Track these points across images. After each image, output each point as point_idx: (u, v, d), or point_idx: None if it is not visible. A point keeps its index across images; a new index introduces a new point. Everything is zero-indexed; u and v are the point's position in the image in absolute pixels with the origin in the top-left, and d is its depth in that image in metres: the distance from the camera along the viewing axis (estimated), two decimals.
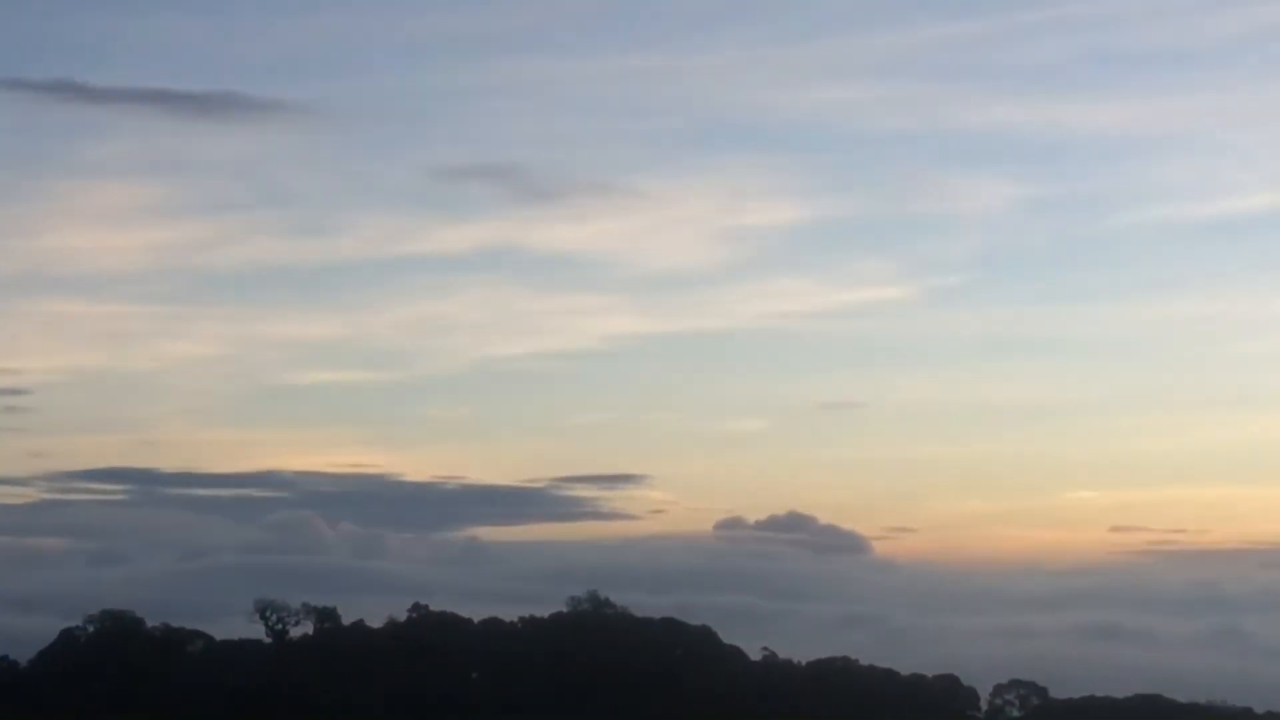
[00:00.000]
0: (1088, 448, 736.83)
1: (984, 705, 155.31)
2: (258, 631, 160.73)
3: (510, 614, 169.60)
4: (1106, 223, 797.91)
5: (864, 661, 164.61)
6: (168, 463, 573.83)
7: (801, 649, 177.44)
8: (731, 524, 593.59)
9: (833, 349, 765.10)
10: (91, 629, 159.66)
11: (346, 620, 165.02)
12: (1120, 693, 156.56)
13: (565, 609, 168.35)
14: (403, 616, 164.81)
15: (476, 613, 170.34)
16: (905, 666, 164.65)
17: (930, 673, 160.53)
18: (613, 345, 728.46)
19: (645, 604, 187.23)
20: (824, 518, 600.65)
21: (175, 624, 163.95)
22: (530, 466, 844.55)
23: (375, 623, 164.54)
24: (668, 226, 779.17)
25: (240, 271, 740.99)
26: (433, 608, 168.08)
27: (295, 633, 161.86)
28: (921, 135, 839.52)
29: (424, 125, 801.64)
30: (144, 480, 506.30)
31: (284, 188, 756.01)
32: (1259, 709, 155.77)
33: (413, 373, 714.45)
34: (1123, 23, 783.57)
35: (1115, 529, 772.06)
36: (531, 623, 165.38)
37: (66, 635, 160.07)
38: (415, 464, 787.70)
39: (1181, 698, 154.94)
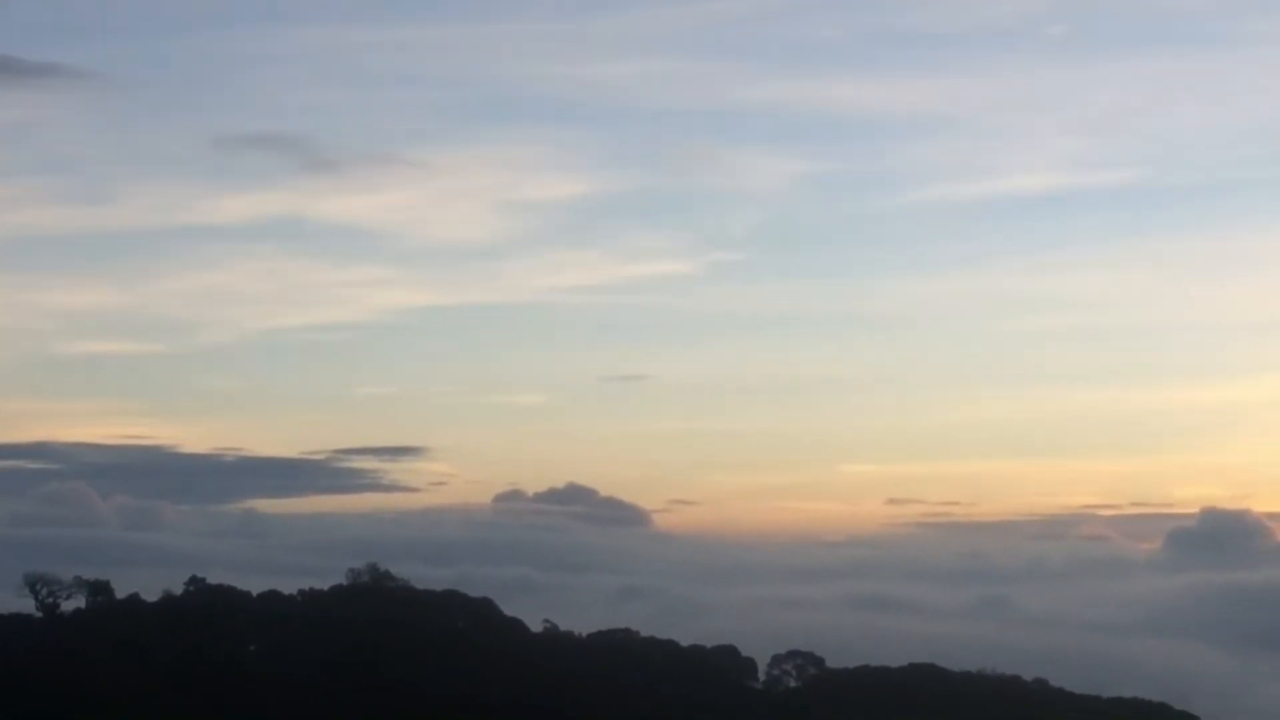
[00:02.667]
0: (864, 422, 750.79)
1: (762, 675, 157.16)
2: (28, 606, 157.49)
3: (289, 586, 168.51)
4: (884, 201, 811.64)
5: (644, 633, 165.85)
6: None
7: (582, 621, 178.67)
8: (511, 496, 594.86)
9: (615, 323, 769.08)
10: None
11: (121, 594, 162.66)
12: (894, 662, 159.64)
13: (345, 581, 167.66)
14: (179, 589, 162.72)
15: (255, 585, 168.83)
16: (685, 637, 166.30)
17: (710, 643, 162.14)
18: (394, 317, 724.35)
19: (425, 576, 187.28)
20: (604, 490, 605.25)
21: None
22: (310, 438, 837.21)
23: (151, 596, 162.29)
24: (451, 199, 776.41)
25: (14, 239, 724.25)
26: (210, 580, 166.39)
27: (67, 607, 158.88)
28: (704, 111, 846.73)
29: (206, 93, 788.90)
30: None
31: (60, 154, 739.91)
32: (1026, 676, 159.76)
33: (192, 344, 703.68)
34: (903, 5, 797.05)
35: (890, 501, 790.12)
36: (311, 595, 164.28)
37: None
38: (193, 436, 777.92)
39: (953, 666, 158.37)
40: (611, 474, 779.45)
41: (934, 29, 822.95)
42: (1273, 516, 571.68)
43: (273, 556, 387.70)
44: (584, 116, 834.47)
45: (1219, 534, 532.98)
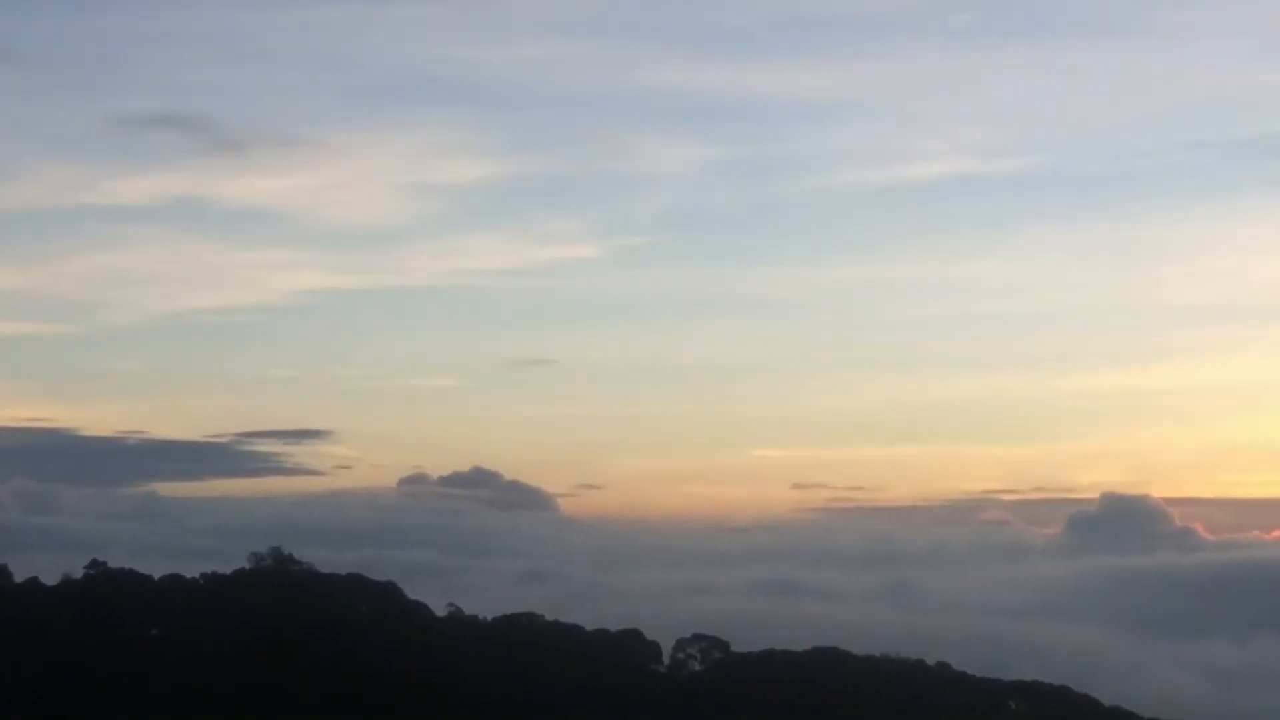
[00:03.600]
0: (771, 407, 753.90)
1: (667, 659, 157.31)
2: None
3: (192, 570, 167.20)
4: (790, 186, 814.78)
5: (549, 617, 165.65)
6: None
7: (486, 605, 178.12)
8: (415, 480, 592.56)
9: (522, 306, 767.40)
10: None
11: (19, 578, 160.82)
12: (799, 646, 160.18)
13: (248, 565, 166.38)
14: (79, 574, 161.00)
15: (157, 569, 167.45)
16: (590, 622, 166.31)
17: (614, 628, 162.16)
18: (299, 300, 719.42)
19: (329, 560, 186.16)
20: (509, 474, 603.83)
21: None
22: (213, 421, 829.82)
23: (50, 580, 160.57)
24: (356, 181, 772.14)
25: None
26: (111, 564, 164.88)
27: None
28: (612, 95, 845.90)
29: (107, 72, 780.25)
30: None
31: None
32: (929, 660, 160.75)
33: (92, 325, 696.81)
34: None
35: (797, 486, 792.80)
36: (214, 579, 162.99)
37: None
38: (94, 418, 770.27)
39: (857, 650, 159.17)
40: (517, 458, 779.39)
41: (841, 15, 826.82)
42: (1171, 501, 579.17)
43: (175, 540, 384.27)
44: (491, 99, 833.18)
45: (1118, 519, 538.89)
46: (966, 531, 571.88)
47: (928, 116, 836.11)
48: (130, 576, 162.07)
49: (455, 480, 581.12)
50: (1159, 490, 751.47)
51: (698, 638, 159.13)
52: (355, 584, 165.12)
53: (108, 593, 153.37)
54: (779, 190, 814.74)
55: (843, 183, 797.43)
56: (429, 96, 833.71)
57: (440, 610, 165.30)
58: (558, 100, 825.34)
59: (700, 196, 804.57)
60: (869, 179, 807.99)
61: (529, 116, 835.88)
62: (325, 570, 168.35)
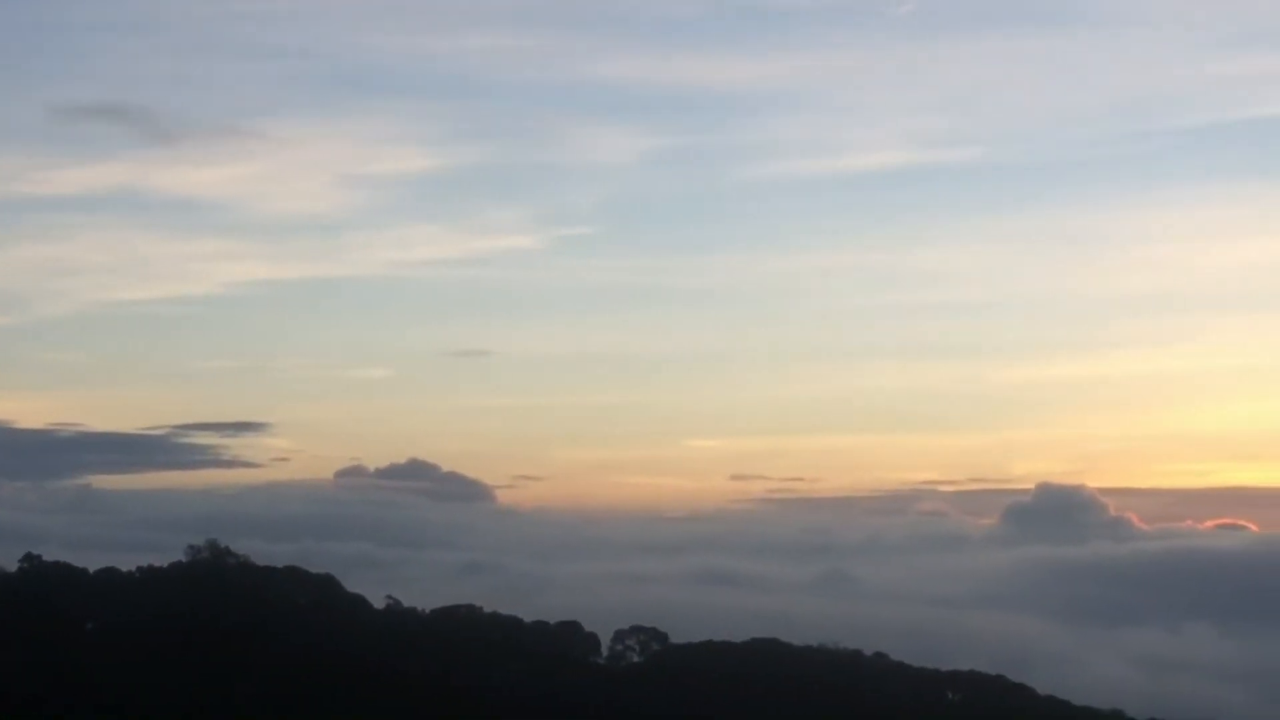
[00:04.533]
0: (710, 397, 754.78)
1: (605, 651, 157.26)
2: None
3: (127, 564, 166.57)
4: (731, 176, 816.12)
5: (487, 609, 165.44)
6: None
7: (424, 597, 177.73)
8: (352, 472, 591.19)
9: (461, 297, 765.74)
10: None
11: None
12: (737, 637, 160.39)
13: (184, 558, 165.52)
14: (13, 567, 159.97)
15: (92, 563, 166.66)
16: (528, 613, 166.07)
17: (553, 619, 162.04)
18: (237, 291, 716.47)
19: (266, 552, 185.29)
20: (447, 465, 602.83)
21: None
22: (150, 414, 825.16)
23: None
24: (295, 172, 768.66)
25: None
26: (46, 558, 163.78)
27: None
28: (552, 86, 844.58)
29: (44, 62, 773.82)
30: None
31: None
32: (866, 651, 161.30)
33: (29, 316, 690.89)
34: None
35: (735, 477, 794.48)
36: (150, 572, 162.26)
37: None
38: (29, 410, 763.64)
39: (795, 641, 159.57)
40: (455, 449, 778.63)
41: (783, 5, 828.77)
42: (1107, 491, 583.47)
43: (110, 533, 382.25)
44: (430, 90, 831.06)
45: (1054, 509, 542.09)
46: (903, 522, 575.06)
47: (869, 107, 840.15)
48: (65, 570, 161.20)
49: (393, 472, 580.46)
50: (1095, 480, 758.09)
51: (636, 629, 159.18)
52: (293, 577, 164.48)
53: (42, 586, 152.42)
54: (719, 180, 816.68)
55: (783, 173, 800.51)
56: (369, 87, 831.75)
57: (378, 603, 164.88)
58: (498, 91, 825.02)
59: (640, 187, 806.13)
60: (809, 169, 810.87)
61: (469, 107, 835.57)
62: (262, 563, 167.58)
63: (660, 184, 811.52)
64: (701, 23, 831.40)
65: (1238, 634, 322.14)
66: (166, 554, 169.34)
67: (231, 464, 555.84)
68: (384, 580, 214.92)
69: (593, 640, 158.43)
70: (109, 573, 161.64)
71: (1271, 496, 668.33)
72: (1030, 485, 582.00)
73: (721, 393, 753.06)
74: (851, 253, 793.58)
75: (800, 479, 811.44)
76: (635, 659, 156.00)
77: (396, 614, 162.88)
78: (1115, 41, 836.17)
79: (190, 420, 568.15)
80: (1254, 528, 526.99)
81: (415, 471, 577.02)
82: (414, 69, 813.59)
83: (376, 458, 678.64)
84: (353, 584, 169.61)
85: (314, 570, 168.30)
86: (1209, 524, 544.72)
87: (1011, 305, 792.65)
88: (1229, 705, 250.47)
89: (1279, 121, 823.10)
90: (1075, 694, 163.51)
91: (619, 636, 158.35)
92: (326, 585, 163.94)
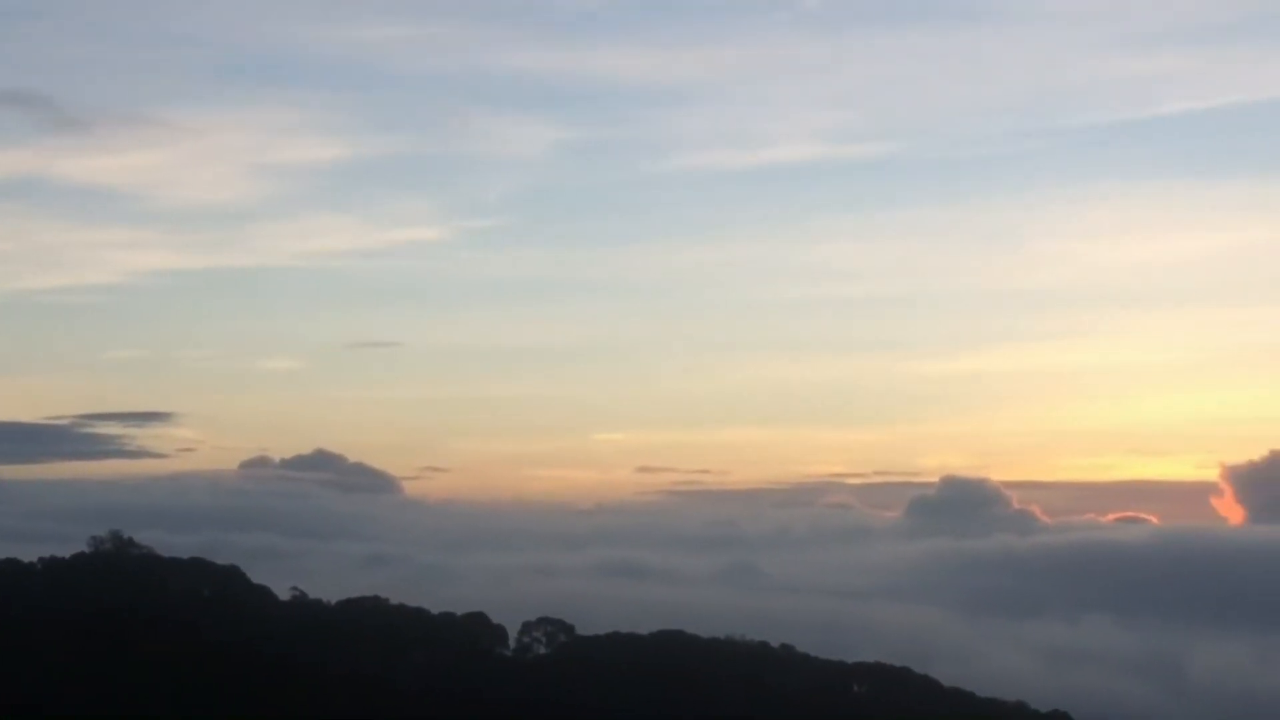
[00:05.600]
0: (618, 390, 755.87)
1: (512, 643, 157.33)
2: None
3: (29, 554, 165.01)
4: (640, 169, 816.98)
5: (394, 600, 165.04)
6: None
7: (330, 588, 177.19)
8: (258, 463, 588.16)
9: (369, 288, 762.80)
10: None
11: None
12: (644, 629, 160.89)
13: (87, 549, 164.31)
14: None
15: None
16: (435, 605, 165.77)
17: (460, 611, 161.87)
18: (143, 280, 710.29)
19: (170, 544, 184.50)
20: (353, 456, 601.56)
21: None
22: (54, 403, 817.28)
23: None
24: (203, 160, 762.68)
25: None
26: None
27: None
28: (461, 77, 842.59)
29: None
30: None
31: None
32: (773, 643, 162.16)
33: None
34: None
35: (642, 469, 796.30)
36: (52, 563, 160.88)
37: None
38: None
39: (702, 633, 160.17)
40: (362, 440, 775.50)
41: None
42: (1010, 485, 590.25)
43: (12, 524, 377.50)
44: (340, 80, 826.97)
45: (958, 502, 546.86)
46: (810, 514, 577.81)
47: (779, 101, 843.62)
48: None
49: (298, 463, 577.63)
50: (999, 474, 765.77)
51: (543, 620, 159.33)
52: (197, 568, 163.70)
53: None
54: (628, 173, 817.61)
55: (692, 166, 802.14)
56: (277, 77, 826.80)
57: (284, 594, 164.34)
58: (407, 82, 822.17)
59: (549, 179, 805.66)
60: (718, 162, 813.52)
61: (377, 98, 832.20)
62: (167, 554, 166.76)
63: (569, 176, 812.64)
64: (612, 15, 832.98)
65: (1136, 626, 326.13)
66: (70, 545, 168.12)
67: (136, 454, 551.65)
68: (289, 571, 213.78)
69: (500, 632, 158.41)
70: (11, 563, 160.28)
71: (1172, 490, 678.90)
72: (935, 479, 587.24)
73: (629, 386, 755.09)
74: (759, 246, 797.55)
75: (708, 471, 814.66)
76: (542, 651, 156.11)
77: (302, 605, 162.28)
78: (1022, 39, 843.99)
79: (95, 410, 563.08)
80: (1154, 521, 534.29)
81: (321, 463, 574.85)
82: (323, 58, 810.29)
83: (282, 449, 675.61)
84: (258, 575, 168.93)
85: (219, 561, 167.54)
86: (1110, 517, 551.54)
87: (918, 300, 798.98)
88: (1128, 696, 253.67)
89: (1180, 120, 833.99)
90: (978, 685, 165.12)
91: (526, 628, 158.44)
92: (231, 576, 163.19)
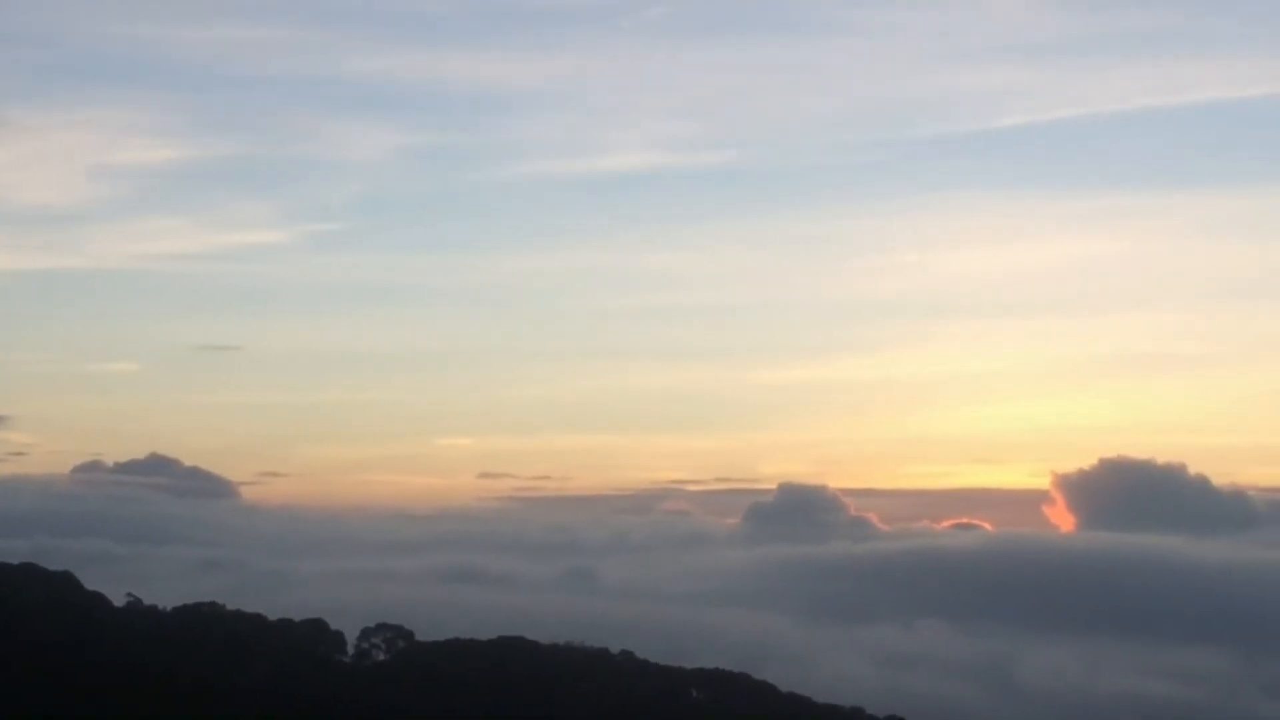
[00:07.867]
0: (458, 396, 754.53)
1: (351, 649, 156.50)
2: None
3: None
4: (482, 175, 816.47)
5: (230, 606, 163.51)
6: None
7: (165, 594, 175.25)
8: (90, 467, 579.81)
9: (209, 291, 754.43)
10: None
11: None
12: (484, 635, 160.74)
13: None
14: None
15: None
16: (272, 611, 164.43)
17: (298, 617, 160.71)
18: None
19: (0, 549, 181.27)
20: (189, 461, 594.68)
21: None
22: None
23: None
24: (38, 160, 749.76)
25: None
26: None
27: None
28: (304, 80, 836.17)
29: None
30: None
31: None
32: (613, 649, 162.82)
33: None
34: None
35: (483, 475, 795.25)
36: None
37: None
38: None
39: (542, 639, 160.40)
40: (199, 445, 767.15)
41: (536, 6, 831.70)
42: (848, 492, 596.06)
43: None
44: (180, 81, 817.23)
45: (796, 509, 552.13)
46: (648, 521, 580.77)
47: (620, 109, 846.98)
48: None
49: (132, 467, 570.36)
50: (837, 481, 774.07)
51: (382, 627, 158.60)
52: (29, 574, 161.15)
53: None
54: (471, 179, 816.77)
55: (535, 173, 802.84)
56: (116, 77, 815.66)
57: (118, 600, 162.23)
58: (248, 84, 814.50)
59: (392, 184, 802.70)
60: (561, 169, 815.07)
61: (218, 99, 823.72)
62: None
63: (411, 182, 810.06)
64: (455, 21, 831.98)
65: (969, 631, 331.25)
66: None
67: None
68: (123, 577, 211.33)
69: (338, 638, 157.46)
70: None
71: (1005, 498, 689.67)
72: (774, 486, 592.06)
73: (470, 391, 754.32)
74: (600, 253, 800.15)
75: (548, 477, 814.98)
76: (381, 657, 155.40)
77: (137, 612, 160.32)
78: (861, 52, 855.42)
79: None
80: (988, 527, 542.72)
81: (155, 467, 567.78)
82: (163, 59, 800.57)
83: (117, 453, 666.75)
84: (91, 581, 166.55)
85: (51, 567, 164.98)
86: (945, 524, 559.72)
87: (757, 308, 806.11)
88: (960, 700, 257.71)
89: (1016, 132, 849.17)
90: (815, 690, 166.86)
91: (365, 634, 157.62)
92: (64, 582, 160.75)
